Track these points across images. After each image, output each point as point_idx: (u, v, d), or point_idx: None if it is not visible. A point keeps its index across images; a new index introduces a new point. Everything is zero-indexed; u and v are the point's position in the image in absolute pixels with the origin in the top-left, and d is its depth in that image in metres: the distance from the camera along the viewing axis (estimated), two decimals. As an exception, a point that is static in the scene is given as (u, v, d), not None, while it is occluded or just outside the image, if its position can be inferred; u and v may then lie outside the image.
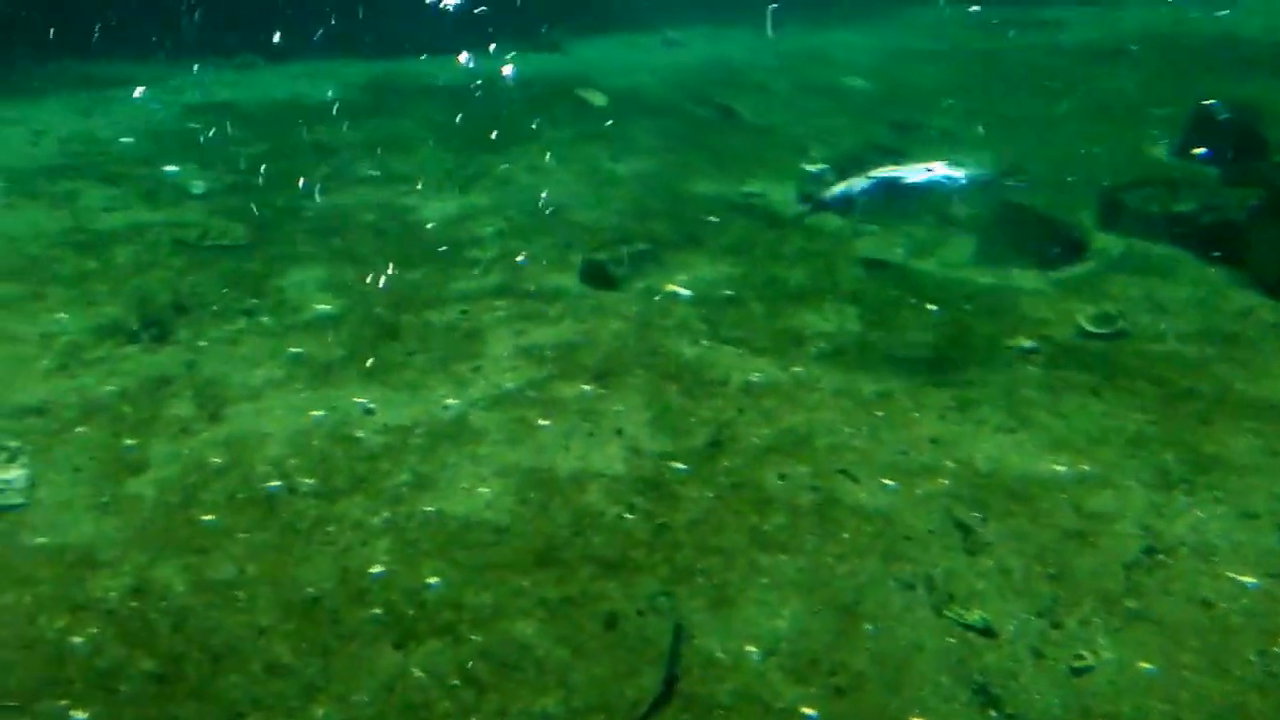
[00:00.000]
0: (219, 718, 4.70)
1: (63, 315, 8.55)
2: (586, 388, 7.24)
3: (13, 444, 6.65)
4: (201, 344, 8.00)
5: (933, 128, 13.59)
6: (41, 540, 5.86)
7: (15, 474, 6.34)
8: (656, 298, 8.67)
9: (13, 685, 4.83)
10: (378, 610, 5.27)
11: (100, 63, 18.08)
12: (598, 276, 8.97)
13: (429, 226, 10.50)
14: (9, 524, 6.01)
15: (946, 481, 6.17)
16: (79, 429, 6.93)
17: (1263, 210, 8.93)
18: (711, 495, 6.08)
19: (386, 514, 5.99)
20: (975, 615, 5.12)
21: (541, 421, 6.84)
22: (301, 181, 11.73)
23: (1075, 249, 9.26)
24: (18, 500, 6.19)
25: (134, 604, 5.36)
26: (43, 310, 8.66)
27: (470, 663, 4.94)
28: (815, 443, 6.58)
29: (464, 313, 8.43)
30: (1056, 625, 5.10)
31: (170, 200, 11.38)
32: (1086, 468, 6.28)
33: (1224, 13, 19.28)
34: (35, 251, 9.93)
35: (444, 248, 9.87)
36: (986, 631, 5.05)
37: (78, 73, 17.54)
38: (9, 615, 5.26)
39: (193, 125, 14.36)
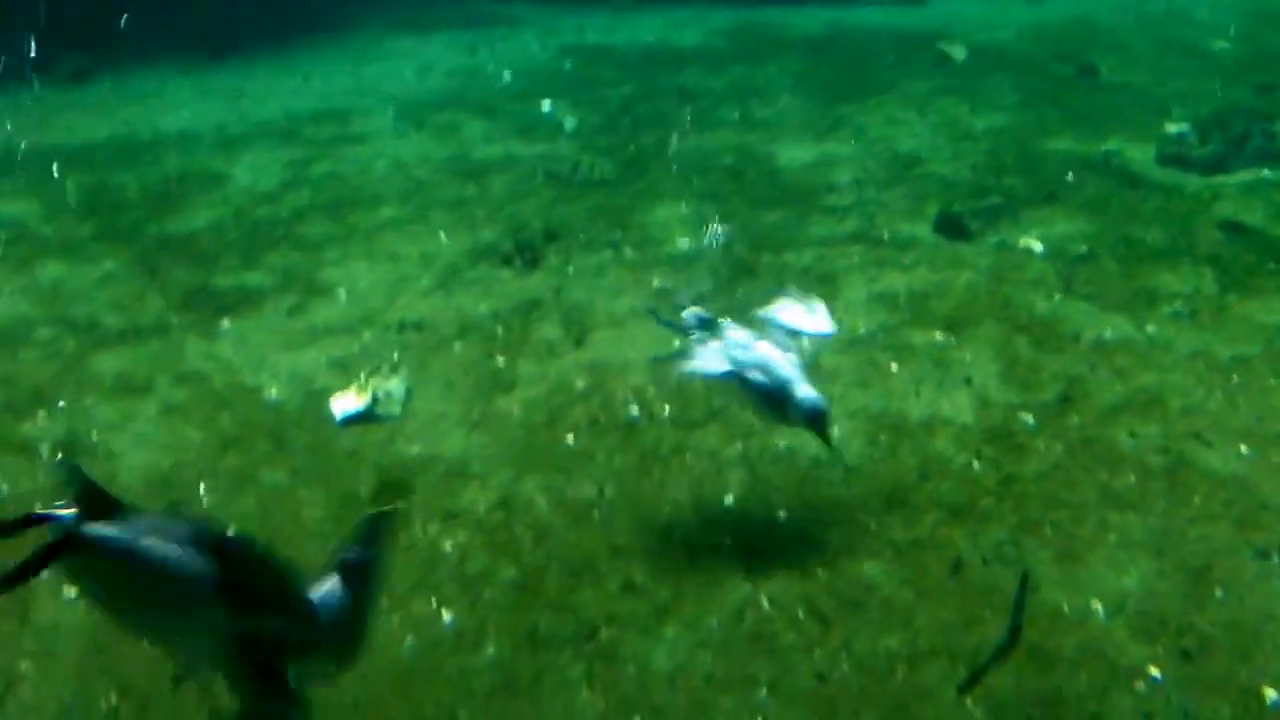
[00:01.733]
0: (576, 628, 5.01)
1: (443, 237, 9.14)
2: (938, 336, 7.36)
3: (393, 357, 7.18)
4: (569, 271, 8.47)
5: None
6: (416, 450, 6.35)
7: (394, 386, 6.84)
8: (1010, 252, 8.67)
9: (390, 585, 5.18)
10: (728, 540, 5.54)
11: (485, 2, 18.95)
12: (952, 228, 9.02)
13: (787, 172, 10.73)
14: (388, 432, 6.53)
15: (1306, 451, 6.04)
16: (454, 346, 7.45)
17: None
18: (1061, 449, 6.13)
19: (739, 446, 6.26)
20: (1332, 589, 5.05)
21: (893, 366, 6.99)
22: (666, 123, 12.13)
23: None
24: (395, 411, 6.68)
25: (499, 515, 5.78)
26: (425, 232, 9.30)
27: (817, 597, 5.14)
28: (1168, 404, 6.52)
29: (820, 256, 8.64)
30: None
31: (544, 135, 11.97)
32: None
33: None
34: (421, 176, 10.63)
35: (801, 193, 10.07)
36: (1343, 605, 4.98)
37: (465, 11, 18.41)
38: (389, 519, 5.77)
39: (567, 65, 14.95)
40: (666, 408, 6.63)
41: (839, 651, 4.83)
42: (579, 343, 7.44)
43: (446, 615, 5.09)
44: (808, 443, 6.10)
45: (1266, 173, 10.30)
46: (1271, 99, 12.49)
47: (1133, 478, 5.86)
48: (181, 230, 9.68)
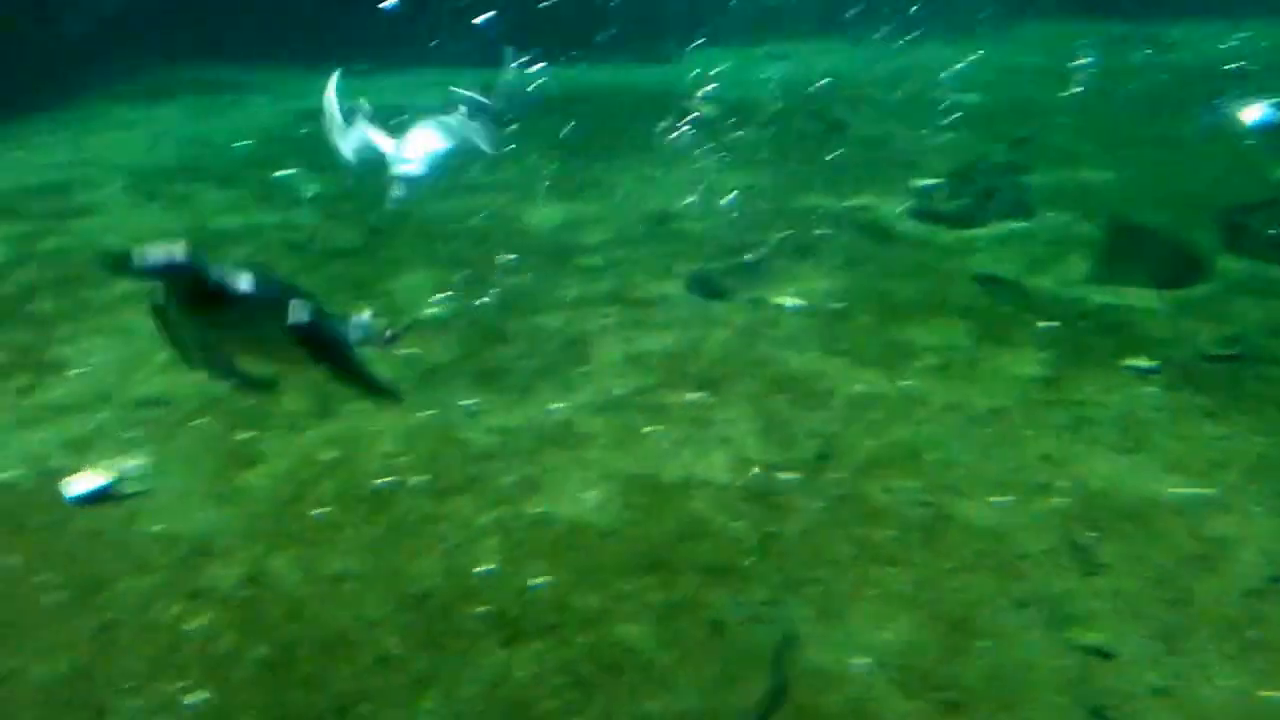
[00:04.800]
0: (329, 706, 4.72)
1: (179, 311, 8.69)
2: (694, 395, 7.21)
3: (132, 434, 6.80)
4: (313, 343, 8.08)
5: (1049, 144, 13.38)
6: (159, 528, 5.97)
7: (134, 464, 6.53)
8: (764, 309, 8.61)
9: (131, 668, 4.91)
10: (483, 608, 5.27)
11: (216, 68, 18.45)
12: (705, 286, 8.93)
13: (537, 234, 10.54)
14: (128, 512, 6.14)
15: (1060, 501, 6.04)
16: (196, 421, 7.07)
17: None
18: (820, 506, 6.00)
19: (494, 514, 6.00)
20: (1093, 636, 5.00)
21: (648, 428, 6.81)
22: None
23: (1195, 269, 9.03)
24: (137, 489, 6.34)
25: (247, 592, 5.43)
26: (157, 307, 8.82)
27: (576, 663, 4.91)
28: (924, 457, 6.48)
29: (572, 319, 8.44)
30: (1175, 651, 4.96)
31: (283, 204, 11.58)
32: (1207, 492, 6.11)
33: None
34: (155, 249, 10.12)
35: (552, 255, 9.90)
36: (1104, 653, 4.93)
37: (195, 77, 17.91)
38: (129, 600, 5.36)
39: (304, 130, 14.58)
40: (419, 477, 6.33)
41: (600, 718, 4.62)
42: (325, 414, 7.09)
43: (192, 697, 4.74)
44: (563, 508, 5.97)
45: (1016, 225, 10.52)
46: (1022, 151, 12.89)
47: (892, 532, 5.76)
48: (-98, 310, 9.00)
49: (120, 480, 6.35)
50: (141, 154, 13.91)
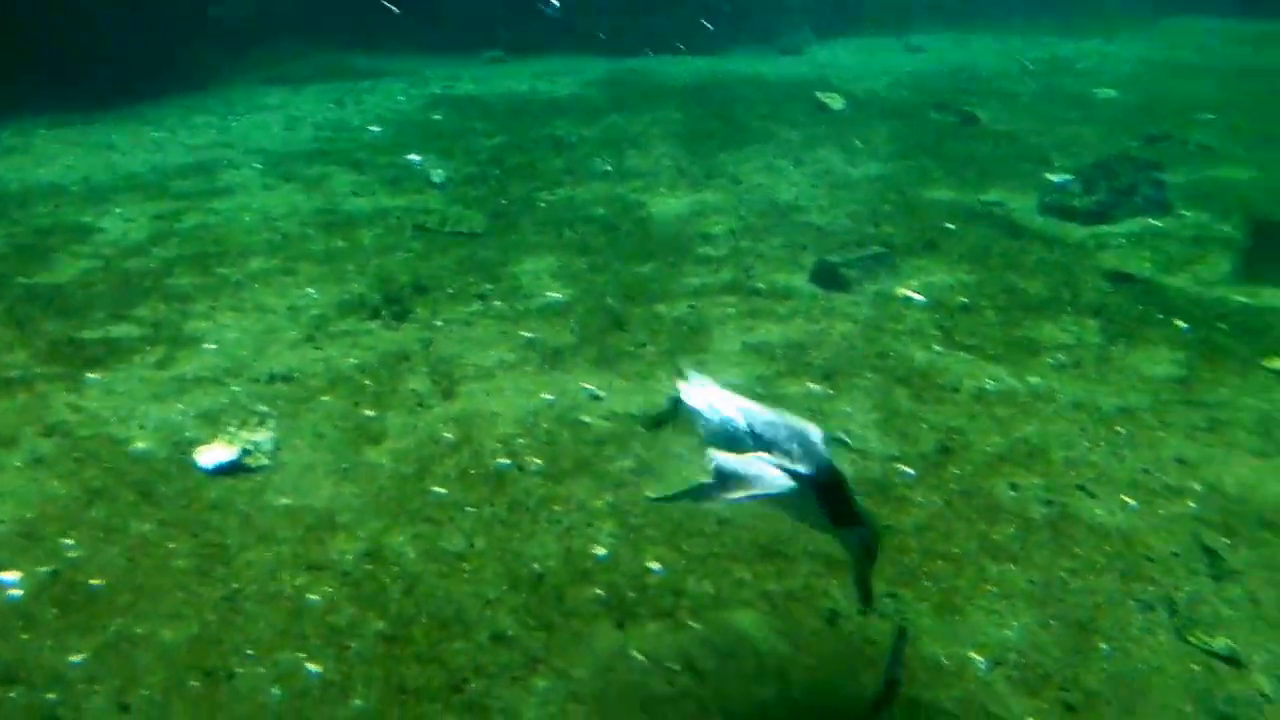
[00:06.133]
0: (445, 680, 4.72)
1: (311, 290, 8.83)
2: (814, 386, 7.11)
3: (262, 408, 6.86)
4: (438, 323, 8.16)
5: (1190, 141, 13.05)
6: (285, 501, 6.02)
7: (263, 437, 6.56)
8: (888, 302, 8.48)
9: (255, 635, 4.98)
10: (600, 590, 5.25)
11: (355, 55, 18.71)
12: (829, 278, 8.81)
13: (661, 222, 10.51)
14: (255, 484, 6.20)
15: (1192, 504, 5.85)
16: (323, 398, 7.12)
17: None
18: (940, 501, 5.89)
19: (610, 498, 5.97)
20: (1221, 642, 4.84)
21: (769, 418, 6.73)
22: (537, 174, 11.93)
23: (1343, 273, 8.73)
24: (265, 462, 6.39)
25: (368, 567, 5.46)
26: (293, 285, 8.98)
27: (689, 648, 4.87)
28: (1050, 455, 6.32)
29: (692, 307, 8.39)
30: (1308, 660, 4.79)
31: (413, 188, 11.72)
32: (1347, 499, 5.89)
33: None
34: (289, 229, 10.30)
35: (675, 244, 9.87)
36: (1232, 660, 4.77)
37: (333, 64, 18.18)
38: (254, 571, 5.41)
39: (436, 116, 14.73)
40: (536, 460, 6.32)
41: (713, 703, 4.57)
42: (447, 394, 7.13)
43: (313, 668, 4.79)
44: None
45: (1154, 222, 10.28)
46: (1159, 149, 12.58)
47: (1013, 529, 5.63)
48: (49, 283, 9.20)
49: (250, 453, 6.40)
50: (279, 138, 14.13)
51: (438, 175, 11.92)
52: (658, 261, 9.40)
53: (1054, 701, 4.55)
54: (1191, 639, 4.88)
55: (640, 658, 4.83)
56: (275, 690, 4.67)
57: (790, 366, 7.40)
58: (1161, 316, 8.14)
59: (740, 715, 4.52)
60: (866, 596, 4.39)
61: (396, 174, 12.15)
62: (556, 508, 5.90)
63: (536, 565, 5.44)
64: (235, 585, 5.31)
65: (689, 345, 7.74)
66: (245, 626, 5.03)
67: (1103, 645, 4.85)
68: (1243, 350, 7.58)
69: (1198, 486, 6.00)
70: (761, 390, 7.01)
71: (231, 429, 6.61)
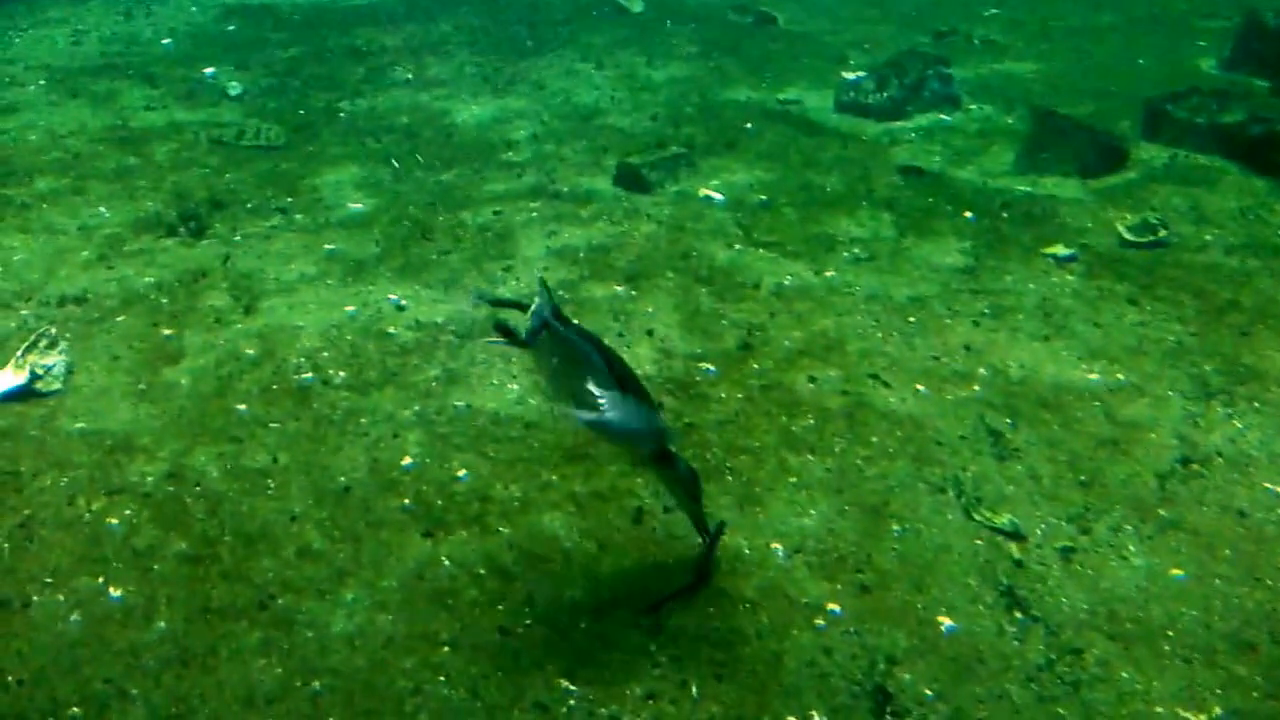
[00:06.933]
0: (251, 598, 4.72)
1: (103, 209, 8.59)
2: (619, 288, 7.21)
3: (53, 331, 6.67)
4: (237, 239, 8.04)
5: (975, 37, 13.39)
6: (80, 425, 5.90)
7: (54, 361, 6.37)
8: (690, 202, 8.60)
9: (51, 563, 4.90)
10: (407, 500, 5.29)
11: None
12: (631, 180, 8.89)
13: (464, 130, 10.44)
14: (48, 409, 6.05)
15: (978, 388, 6.11)
16: (118, 318, 6.97)
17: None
18: (741, 396, 6.05)
19: (417, 407, 5.99)
20: (1004, 519, 5.10)
21: (574, 321, 6.79)
22: (337, 85, 11.72)
23: (1117, 159, 9.09)
24: (56, 386, 6.23)
25: (169, 488, 5.40)
26: (84, 204, 8.73)
27: (498, 553, 4.95)
28: (847, 347, 6.53)
29: (497, 213, 8.39)
30: (1086, 531, 5.07)
31: (208, 101, 11.42)
32: (1123, 377, 6.21)
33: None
34: (78, 147, 9.97)
35: (478, 151, 9.82)
36: (1015, 535, 5.03)
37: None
38: (49, 497, 5.31)
39: (230, 27, 14.32)
40: (341, 372, 6.30)
41: (521, 606, 4.66)
42: (248, 311, 7.03)
43: (115, 592, 4.75)
44: (486, 401, 6.00)
45: (943, 117, 10.56)
46: (947, 44, 12.88)
47: (812, 420, 5.82)
48: None
49: (40, 377, 6.23)
50: (65, 52, 13.56)
51: (234, 88, 11.62)
52: (461, 168, 9.37)
53: (849, 584, 4.76)
54: (977, 516, 5.13)
55: (449, 565, 4.90)
56: (75, 617, 4.63)
57: (595, 269, 7.47)
58: (950, 208, 8.42)
59: (550, 615, 4.62)
60: (704, 529, 4.68)
61: (191, 87, 11.79)
62: (362, 420, 5.91)
63: (343, 478, 5.45)
64: (28, 512, 5.23)
65: (494, 251, 7.76)
66: (41, 554, 4.96)
67: (895, 527, 5.07)
68: (1024, 238, 7.89)
69: (983, 371, 6.27)
70: (567, 295, 7.07)
71: (20, 354, 6.38)
